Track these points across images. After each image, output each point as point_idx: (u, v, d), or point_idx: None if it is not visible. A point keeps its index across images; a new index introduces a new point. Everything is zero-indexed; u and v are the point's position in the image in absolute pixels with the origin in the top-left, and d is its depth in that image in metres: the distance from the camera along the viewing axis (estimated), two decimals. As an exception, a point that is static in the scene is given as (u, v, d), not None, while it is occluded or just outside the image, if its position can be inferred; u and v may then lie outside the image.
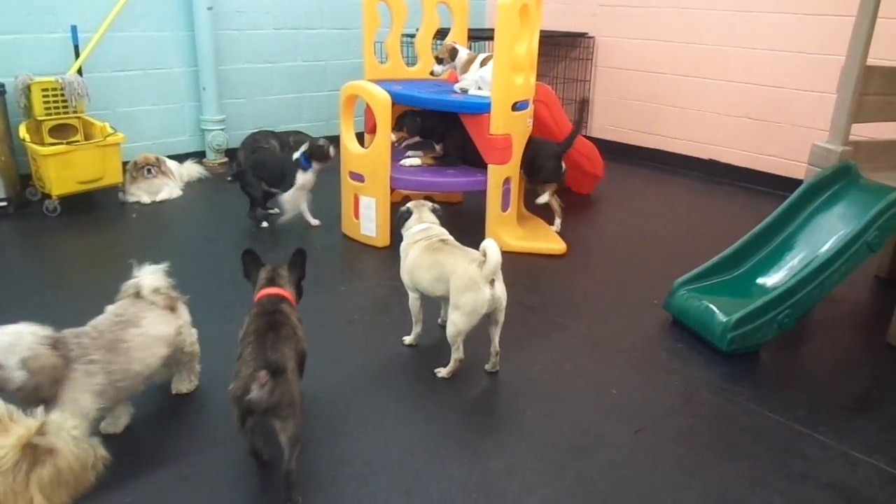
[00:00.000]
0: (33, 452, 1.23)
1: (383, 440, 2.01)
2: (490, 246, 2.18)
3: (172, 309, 2.07)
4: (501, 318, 2.30)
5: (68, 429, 1.31)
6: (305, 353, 1.96)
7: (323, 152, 3.58)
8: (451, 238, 2.48)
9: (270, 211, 3.77)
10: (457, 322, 2.25)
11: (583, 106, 3.55)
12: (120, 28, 4.25)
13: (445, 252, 2.37)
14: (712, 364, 2.48)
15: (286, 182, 3.62)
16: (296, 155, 3.63)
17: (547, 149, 3.66)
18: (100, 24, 4.07)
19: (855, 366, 2.57)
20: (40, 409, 1.34)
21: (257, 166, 3.74)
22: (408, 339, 2.54)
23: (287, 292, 2.01)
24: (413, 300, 2.49)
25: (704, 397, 2.28)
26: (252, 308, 1.95)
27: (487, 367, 2.38)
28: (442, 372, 2.34)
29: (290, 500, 1.71)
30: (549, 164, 3.64)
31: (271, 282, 2.03)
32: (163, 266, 2.09)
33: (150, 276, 2.04)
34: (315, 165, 3.60)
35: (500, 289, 2.26)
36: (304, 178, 3.60)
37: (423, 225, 2.52)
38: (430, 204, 2.64)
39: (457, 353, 2.31)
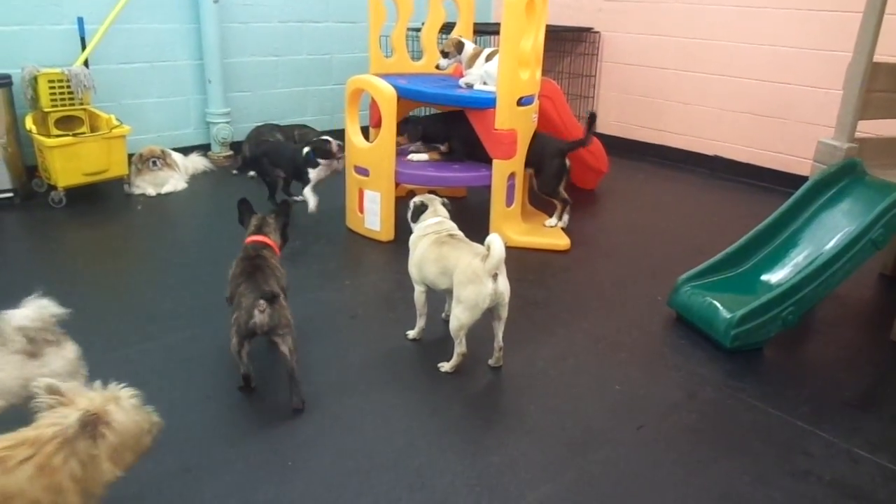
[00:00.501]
0: (97, 422, 1.31)
1: (386, 434, 2.02)
2: (494, 241, 2.19)
3: (34, 354, 1.75)
4: (504, 313, 2.31)
5: (125, 398, 1.39)
6: (286, 288, 2.30)
7: (325, 150, 3.61)
8: (460, 233, 2.50)
9: (297, 197, 3.81)
10: (459, 316, 2.26)
11: (592, 120, 3.53)
12: (126, 20, 4.25)
13: (450, 245, 2.38)
14: (716, 361, 2.49)
15: (302, 178, 3.71)
16: (305, 150, 3.69)
17: (552, 146, 3.64)
18: (106, 16, 4.08)
19: (859, 363, 2.57)
20: (98, 383, 1.41)
21: (272, 153, 3.83)
22: (412, 334, 2.54)
23: (271, 240, 2.38)
24: (419, 293, 2.50)
25: (708, 394, 2.28)
26: (240, 252, 2.30)
27: (491, 361, 2.38)
28: (445, 367, 2.34)
29: (297, 395, 2.09)
30: (554, 162, 3.62)
31: (259, 229, 2.40)
32: (48, 303, 1.82)
33: (21, 312, 1.77)
34: (323, 161, 3.64)
35: (503, 284, 2.27)
36: (316, 173, 3.67)
37: (437, 218, 2.54)
38: (440, 198, 2.65)
39: (460, 348, 2.32)
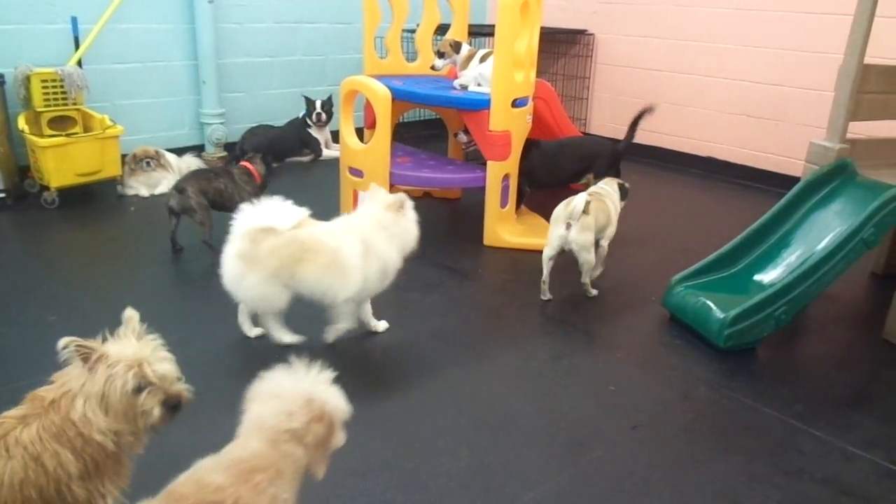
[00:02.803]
0: (139, 376, 1.35)
1: (380, 435, 2.02)
2: (578, 196, 2.76)
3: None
4: (581, 259, 2.85)
5: (165, 365, 1.43)
6: (235, 198, 3.16)
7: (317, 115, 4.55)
8: (600, 191, 3.04)
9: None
10: (545, 247, 2.88)
11: (639, 118, 3.73)
12: (120, 20, 4.24)
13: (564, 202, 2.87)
14: (710, 360, 2.50)
15: (311, 147, 4.43)
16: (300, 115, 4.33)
17: (609, 147, 3.77)
18: (100, 15, 4.06)
19: (851, 362, 2.59)
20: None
21: (275, 141, 3.92)
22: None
23: (250, 165, 3.39)
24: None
25: (702, 393, 2.30)
26: None
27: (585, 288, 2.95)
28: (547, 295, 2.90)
29: (205, 242, 3.16)
30: (607, 163, 3.73)
31: (249, 159, 3.46)
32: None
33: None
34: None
35: (574, 233, 2.78)
36: (319, 133, 4.40)
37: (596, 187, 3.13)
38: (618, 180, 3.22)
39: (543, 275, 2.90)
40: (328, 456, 1.33)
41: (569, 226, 2.78)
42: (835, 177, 2.82)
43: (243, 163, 3.42)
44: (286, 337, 2.42)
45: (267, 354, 2.41)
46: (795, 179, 2.95)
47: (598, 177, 3.68)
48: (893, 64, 2.92)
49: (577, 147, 3.82)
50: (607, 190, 3.10)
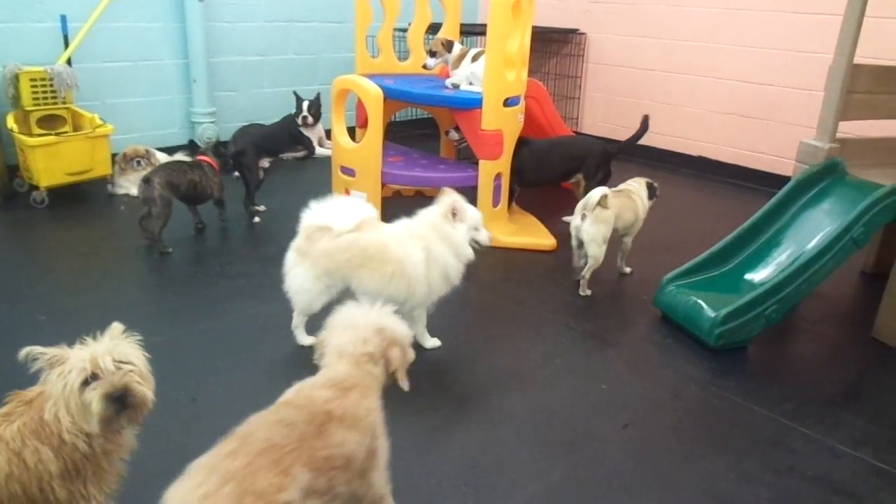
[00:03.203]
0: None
1: (374, 433, 2.01)
2: (594, 190, 2.88)
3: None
4: (589, 251, 2.92)
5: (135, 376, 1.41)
6: (207, 190, 3.38)
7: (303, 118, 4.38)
8: (630, 189, 3.14)
9: (259, 208, 3.78)
10: None
11: (645, 124, 3.76)
12: (110, 18, 4.21)
13: None
14: (701, 359, 2.51)
15: (305, 145, 4.38)
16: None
17: (596, 147, 3.78)
18: (90, 13, 4.03)
19: (841, 360, 2.60)
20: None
21: (265, 139, 3.92)
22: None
23: (209, 158, 3.43)
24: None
25: (693, 392, 2.30)
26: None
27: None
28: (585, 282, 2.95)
29: (150, 237, 3.24)
30: (597, 163, 3.74)
31: (203, 152, 3.50)
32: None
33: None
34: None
35: (586, 225, 2.89)
36: (311, 131, 4.32)
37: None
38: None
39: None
40: (406, 370, 1.56)
41: (584, 216, 2.89)
42: (825, 176, 2.83)
43: (200, 157, 3.44)
44: (306, 339, 2.41)
45: (259, 355, 2.41)
46: (786, 179, 2.96)
47: (588, 177, 3.70)
48: (883, 64, 2.94)
49: (568, 146, 3.82)
50: (636, 188, 3.17)
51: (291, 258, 2.34)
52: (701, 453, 1.99)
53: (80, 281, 2.95)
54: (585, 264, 2.96)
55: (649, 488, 1.85)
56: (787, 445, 2.04)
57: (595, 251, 2.92)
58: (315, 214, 2.29)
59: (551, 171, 3.77)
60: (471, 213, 2.37)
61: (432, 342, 2.50)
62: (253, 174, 3.68)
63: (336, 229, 2.25)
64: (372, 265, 2.25)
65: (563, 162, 3.74)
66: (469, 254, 2.36)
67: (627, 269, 3.23)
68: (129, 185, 4.07)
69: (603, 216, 2.90)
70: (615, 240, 3.09)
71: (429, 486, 1.81)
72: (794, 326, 2.82)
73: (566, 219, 3.87)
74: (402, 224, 2.38)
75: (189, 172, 3.30)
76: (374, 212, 2.35)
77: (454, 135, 3.81)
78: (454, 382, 2.30)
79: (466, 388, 2.28)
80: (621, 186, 3.16)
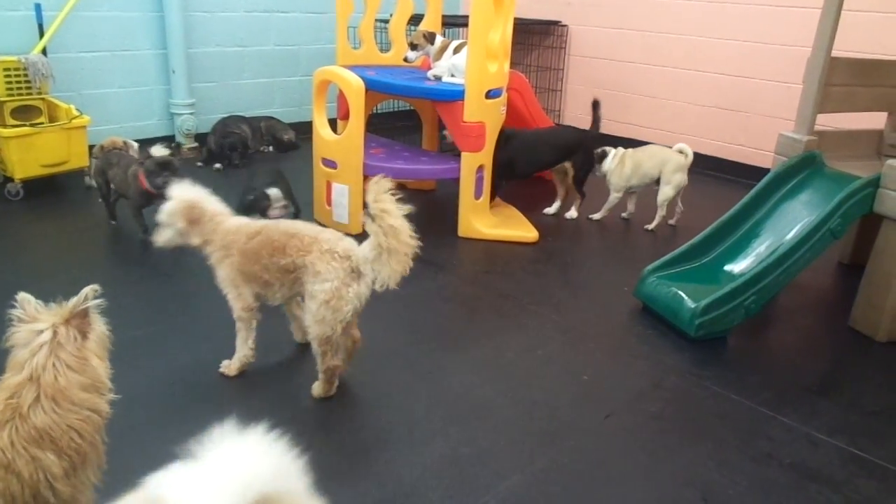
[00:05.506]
0: (80, 325, 1.39)
1: (354, 428, 2.01)
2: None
3: None
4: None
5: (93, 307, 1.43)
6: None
7: (262, 206, 3.21)
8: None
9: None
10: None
11: (595, 107, 3.83)
12: (86, 7, 4.14)
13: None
14: (681, 349, 2.53)
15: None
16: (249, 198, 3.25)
17: (584, 136, 3.82)
18: (65, 2, 3.96)
19: (818, 349, 2.64)
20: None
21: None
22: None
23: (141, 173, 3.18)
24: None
25: (673, 382, 2.33)
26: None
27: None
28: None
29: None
30: (584, 151, 3.80)
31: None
32: None
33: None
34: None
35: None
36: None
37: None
38: None
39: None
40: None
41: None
42: (803, 168, 2.86)
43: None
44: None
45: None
46: (765, 171, 2.99)
47: (576, 165, 3.74)
48: (860, 57, 2.98)
49: (555, 137, 3.84)
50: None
51: None
52: (681, 442, 2.01)
53: (56, 274, 2.91)
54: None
55: (631, 477, 1.86)
56: (765, 434, 2.07)
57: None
58: None
59: (540, 162, 3.80)
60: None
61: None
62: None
63: None
64: None
65: (552, 152, 3.76)
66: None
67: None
68: (107, 177, 4.02)
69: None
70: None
71: (411, 478, 1.81)
72: (772, 317, 2.85)
73: (548, 211, 3.90)
74: None
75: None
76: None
77: (449, 137, 3.78)
78: (436, 374, 2.30)
79: (448, 380, 2.28)
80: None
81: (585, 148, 3.77)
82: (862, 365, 2.51)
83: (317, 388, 2.12)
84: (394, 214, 1.85)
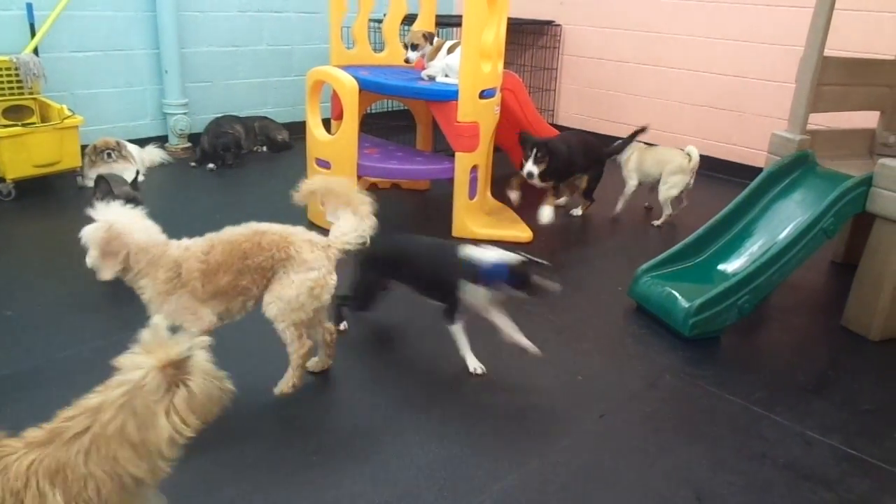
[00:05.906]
0: (173, 376, 1.23)
1: (350, 429, 2.01)
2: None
3: None
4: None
5: (203, 358, 1.28)
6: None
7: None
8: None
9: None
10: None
11: (637, 133, 3.97)
12: (78, 7, 4.12)
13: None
14: (675, 349, 2.53)
15: None
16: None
17: (600, 151, 3.92)
18: (57, 1, 3.94)
19: (812, 349, 2.65)
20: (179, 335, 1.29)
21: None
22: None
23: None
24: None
25: (667, 382, 2.33)
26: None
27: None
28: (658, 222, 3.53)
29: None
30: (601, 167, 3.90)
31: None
32: None
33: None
34: None
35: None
36: None
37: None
38: None
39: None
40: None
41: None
42: (796, 167, 2.87)
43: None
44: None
45: (230, 348, 2.38)
46: (758, 170, 3.00)
47: (591, 177, 3.89)
48: (853, 56, 2.99)
49: (587, 147, 3.87)
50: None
51: None
52: (676, 442, 2.02)
53: (48, 275, 2.89)
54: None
55: (625, 477, 1.86)
56: (759, 433, 2.07)
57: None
58: None
59: (573, 169, 3.81)
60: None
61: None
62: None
63: None
64: None
65: (584, 161, 3.80)
66: None
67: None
68: (100, 177, 4.00)
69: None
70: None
71: (406, 479, 1.80)
72: (766, 316, 2.86)
73: (559, 202, 3.87)
74: None
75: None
76: None
77: (514, 195, 3.77)
78: (429, 376, 2.30)
79: (443, 382, 2.28)
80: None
81: (603, 162, 3.88)
82: (855, 364, 2.52)
83: (287, 381, 2.06)
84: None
